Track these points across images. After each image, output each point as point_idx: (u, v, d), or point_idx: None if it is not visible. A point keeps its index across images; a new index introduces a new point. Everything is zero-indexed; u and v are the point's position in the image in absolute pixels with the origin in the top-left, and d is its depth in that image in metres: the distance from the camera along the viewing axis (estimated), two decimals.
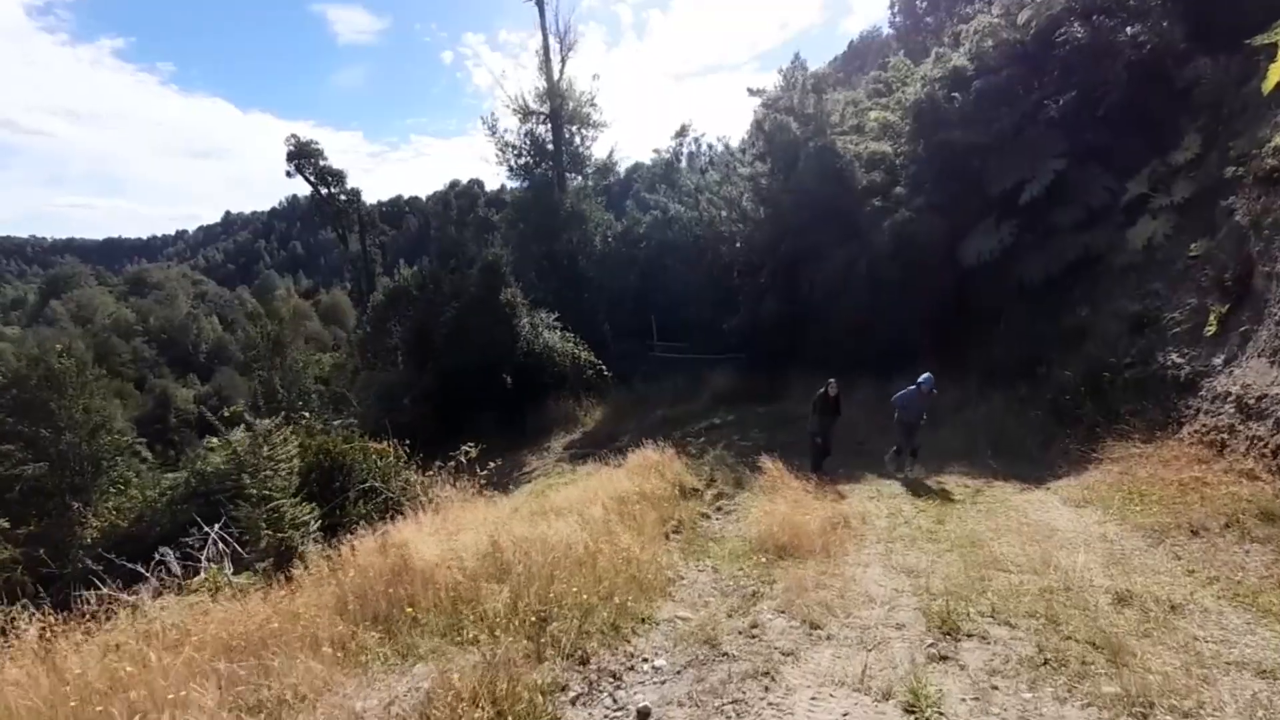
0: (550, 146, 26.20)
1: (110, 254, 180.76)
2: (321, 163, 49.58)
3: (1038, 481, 8.65)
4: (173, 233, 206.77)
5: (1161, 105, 11.81)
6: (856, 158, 15.60)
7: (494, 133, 25.72)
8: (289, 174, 48.66)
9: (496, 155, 26.01)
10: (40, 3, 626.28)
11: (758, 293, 18.18)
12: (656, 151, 22.79)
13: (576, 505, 7.73)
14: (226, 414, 9.49)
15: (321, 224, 55.39)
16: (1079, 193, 12.58)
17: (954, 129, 14.35)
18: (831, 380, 10.01)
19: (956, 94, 14.52)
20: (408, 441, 10.20)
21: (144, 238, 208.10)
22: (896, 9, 37.45)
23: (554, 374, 17.87)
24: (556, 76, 25.69)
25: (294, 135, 47.19)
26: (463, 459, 8.98)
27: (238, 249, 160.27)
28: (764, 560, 6.17)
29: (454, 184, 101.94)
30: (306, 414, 13.64)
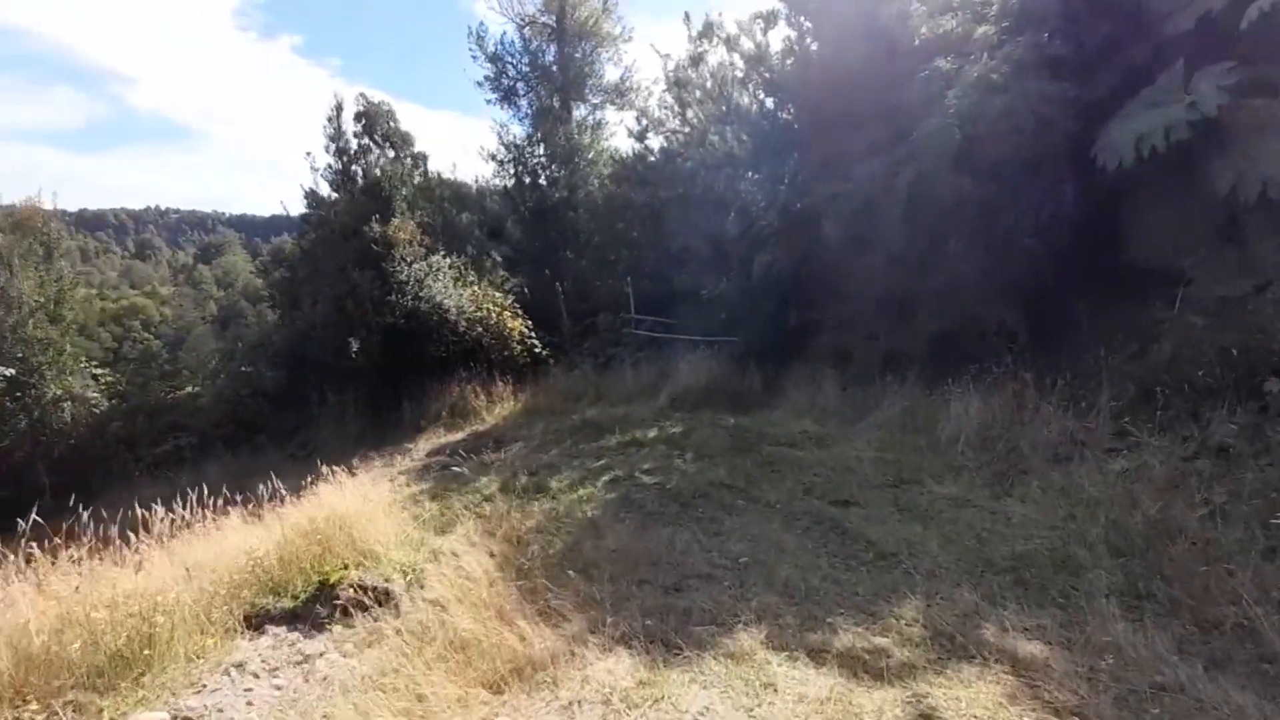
0: (555, 68, 20.74)
1: (274, 228, 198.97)
2: (391, 124, 48.03)
3: None
4: None
5: None
6: None
7: (482, 47, 20.60)
8: (356, 135, 47.38)
9: (486, 76, 20.91)
10: (237, 3, 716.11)
11: (754, 244, 11.70)
12: (666, 56, 16.41)
13: None
14: None
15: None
16: None
17: None
18: None
19: None
20: None
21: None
22: None
23: (452, 345, 12.45)
24: None
25: (362, 94, 45.62)
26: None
27: None
28: None
29: None
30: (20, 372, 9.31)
